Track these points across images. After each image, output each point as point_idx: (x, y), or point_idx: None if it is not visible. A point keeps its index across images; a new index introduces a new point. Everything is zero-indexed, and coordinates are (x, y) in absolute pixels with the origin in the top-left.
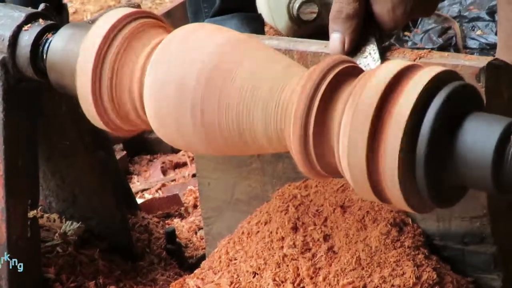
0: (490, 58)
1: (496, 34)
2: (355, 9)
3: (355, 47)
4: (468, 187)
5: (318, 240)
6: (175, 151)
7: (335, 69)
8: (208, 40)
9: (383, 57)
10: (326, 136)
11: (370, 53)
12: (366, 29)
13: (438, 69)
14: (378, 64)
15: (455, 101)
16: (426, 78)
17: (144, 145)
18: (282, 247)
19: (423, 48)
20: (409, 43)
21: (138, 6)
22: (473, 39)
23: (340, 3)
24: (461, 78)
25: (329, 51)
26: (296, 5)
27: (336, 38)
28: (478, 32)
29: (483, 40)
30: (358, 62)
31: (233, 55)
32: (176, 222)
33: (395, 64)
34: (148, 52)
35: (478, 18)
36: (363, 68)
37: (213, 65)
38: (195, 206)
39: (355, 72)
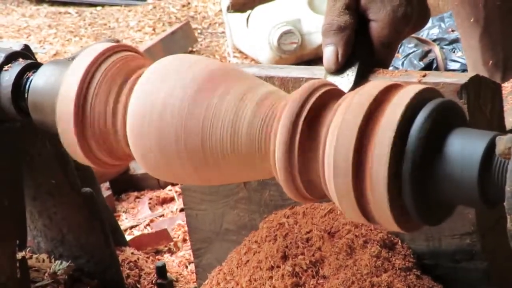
0: (470, 74)
1: None
2: (346, 21)
3: (347, 60)
4: (456, 203)
5: (308, 268)
6: (162, 186)
7: (317, 92)
8: (187, 71)
9: (363, 78)
10: (312, 160)
11: (348, 74)
12: (357, 45)
13: (418, 87)
14: (350, 87)
15: (438, 119)
16: (408, 97)
17: (131, 182)
18: (272, 276)
19: None
20: (391, 68)
21: (117, 41)
22: (454, 61)
23: (331, 16)
24: (441, 95)
25: (324, 65)
26: (276, 36)
27: (329, 51)
28: (459, 53)
29: (464, 61)
30: (333, 80)
31: (213, 82)
32: (166, 257)
33: (376, 84)
34: (130, 85)
35: (458, 40)
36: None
37: (194, 92)
38: (184, 240)
39: (337, 94)
